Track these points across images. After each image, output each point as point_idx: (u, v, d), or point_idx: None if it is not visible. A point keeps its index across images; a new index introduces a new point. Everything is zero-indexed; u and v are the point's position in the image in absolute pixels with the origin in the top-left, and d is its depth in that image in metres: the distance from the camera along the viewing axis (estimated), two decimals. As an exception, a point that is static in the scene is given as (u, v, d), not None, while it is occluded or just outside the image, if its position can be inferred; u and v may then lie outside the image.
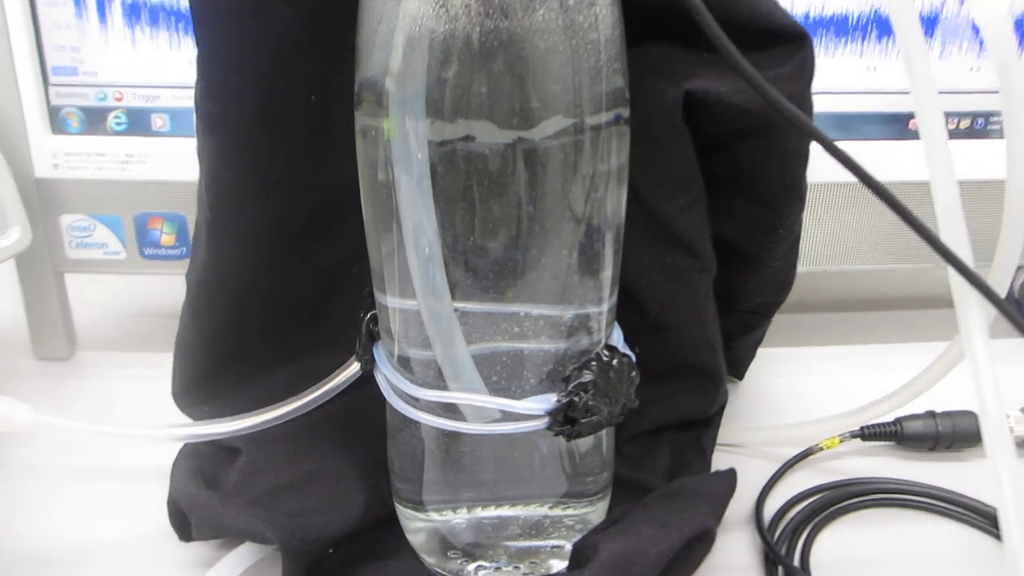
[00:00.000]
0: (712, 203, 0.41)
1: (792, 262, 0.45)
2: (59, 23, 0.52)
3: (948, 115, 0.58)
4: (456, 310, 0.33)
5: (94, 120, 0.54)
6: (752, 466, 0.48)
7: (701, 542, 0.38)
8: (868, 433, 0.50)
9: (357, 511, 0.40)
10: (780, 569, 0.42)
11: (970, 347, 0.30)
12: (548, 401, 0.34)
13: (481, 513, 0.40)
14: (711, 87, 0.36)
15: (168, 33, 0.52)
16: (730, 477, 0.42)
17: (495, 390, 0.35)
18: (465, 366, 0.34)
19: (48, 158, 0.54)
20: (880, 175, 0.57)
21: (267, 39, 0.35)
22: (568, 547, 0.39)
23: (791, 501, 0.46)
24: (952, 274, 0.30)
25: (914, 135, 0.58)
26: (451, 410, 0.35)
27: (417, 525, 0.41)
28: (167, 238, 0.55)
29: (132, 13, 0.52)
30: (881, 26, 0.55)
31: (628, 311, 0.40)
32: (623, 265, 0.38)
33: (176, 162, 0.54)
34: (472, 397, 0.34)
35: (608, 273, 0.37)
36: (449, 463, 0.39)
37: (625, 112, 0.35)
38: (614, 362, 0.35)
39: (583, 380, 0.34)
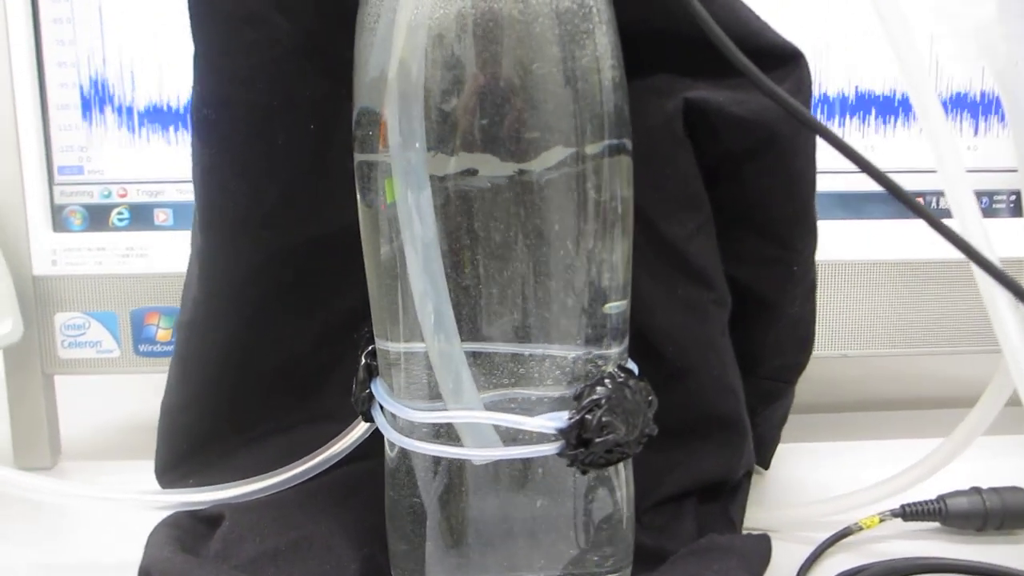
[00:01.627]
0: (721, 245, 0.40)
1: (811, 312, 0.43)
2: (68, 124, 0.53)
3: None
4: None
5: (97, 217, 0.54)
6: (784, 549, 0.44)
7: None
8: (910, 512, 0.46)
9: (350, 583, 0.36)
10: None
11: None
12: (560, 419, 0.31)
13: (490, 590, 0.36)
14: (710, 96, 0.36)
15: (173, 129, 0.53)
16: (764, 540, 0.38)
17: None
18: (468, 388, 0.32)
19: (47, 255, 0.54)
20: (887, 254, 0.57)
21: (261, 48, 0.35)
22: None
23: (835, 581, 0.42)
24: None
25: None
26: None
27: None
28: (163, 333, 0.54)
29: (142, 114, 0.53)
30: (879, 105, 0.56)
31: (643, 360, 0.37)
32: (633, 303, 0.36)
33: (178, 254, 0.52)
34: (475, 414, 0.31)
35: (619, 306, 0.35)
36: (452, 525, 0.35)
37: (628, 140, 0.35)
38: (630, 382, 0.33)
39: (596, 397, 0.32)
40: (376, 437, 0.38)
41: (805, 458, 0.54)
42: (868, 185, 0.56)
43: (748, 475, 0.43)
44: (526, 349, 0.33)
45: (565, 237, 0.33)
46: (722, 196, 0.39)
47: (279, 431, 0.42)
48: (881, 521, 0.45)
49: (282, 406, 0.42)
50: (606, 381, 0.32)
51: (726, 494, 0.42)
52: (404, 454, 0.36)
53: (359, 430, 0.41)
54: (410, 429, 0.34)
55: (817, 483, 0.51)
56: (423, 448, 0.33)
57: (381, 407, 0.35)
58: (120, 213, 0.54)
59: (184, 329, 0.40)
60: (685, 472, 0.41)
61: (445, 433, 0.33)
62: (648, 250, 0.38)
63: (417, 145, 0.30)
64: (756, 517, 0.45)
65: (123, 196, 0.54)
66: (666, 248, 0.38)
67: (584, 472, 0.33)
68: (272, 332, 0.40)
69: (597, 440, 0.31)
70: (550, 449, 0.32)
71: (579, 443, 0.31)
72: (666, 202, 0.38)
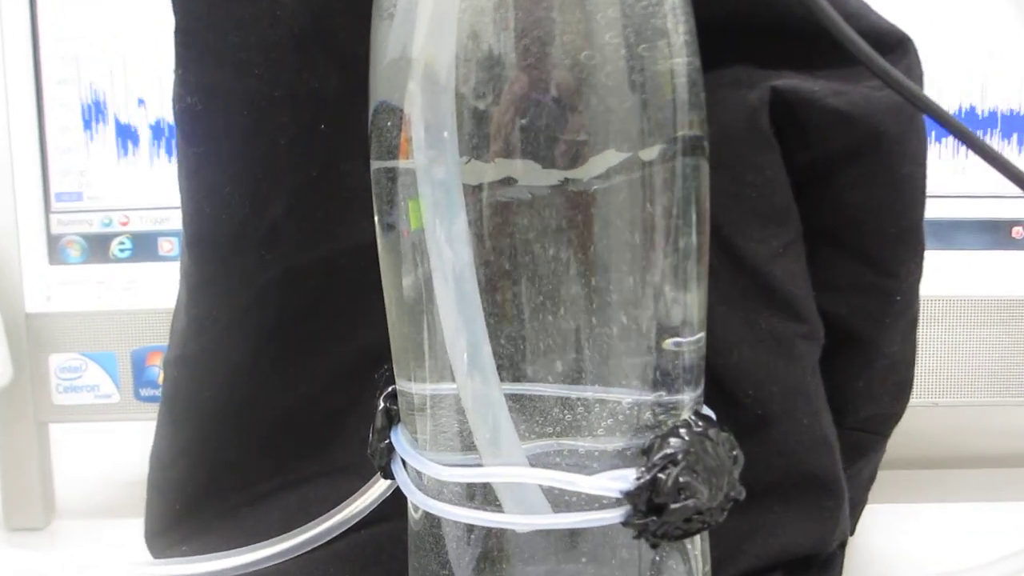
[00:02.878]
0: (807, 270, 0.34)
1: (911, 352, 0.36)
2: (67, 146, 0.49)
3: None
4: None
5: (96, 248, 0.49)
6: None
7: None
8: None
9: (367, 674, 0.29)
10: None
11: None
12: (625, 479, 0.25)
13: None
14: (802, 85, 0.30)
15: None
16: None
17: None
18: (508, 439, 0.25)
19: (42, 290, 0.49)
20: (983, 289, 0.50)
21: (258, 25, 0.30)
22: None
23: (951, 674, 0.35)
24: None
25: (1018, 244, 0.50)
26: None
27: None
28: (166, 376, 0.48)
29: (145, 134, 0.48)
30: (970, 121, 0.49)
31: (714, 407, 0.31)
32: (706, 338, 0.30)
33: (183, 288, 0.48)
34: (519, 472, 0.24)
35: (692, 342, 0.29)
36: None
37: (703, 140, 0.29)
38: (710, 432, 0.26)
39: (671, 451, 0.25)
40: (400, 494, 0.31)
41: (894, 522, 0.47)
42: (962, 212, 0.50)
43: (842, 546, 0.36)
44: (577, 392, 0.28)
45: (623, 258, 0.28)
46: (810, 210, 0.33)
47: (287, 487, 0.36)
48: (1001, 601, 0.38)
49: (290, 458, 0.36)
50: (681, 431, 0.26)
51: (816, 569, 0.35)
52: (431, 518, 0.29)
53: (380, 487, 0.35)
54: (438, 489, 0.28)
55: (912, 553, 0.44)
56: (454, 514, 0.27)
57: (403, 461, 0.29)
58: (122, 243, 0.49)
59: (172, 367, 0.34)
60: (767, 541, 0.34)
61: (480, 494, 0.27)
62: (724, 274, 0.32)
63: (448, 159, 0.24)
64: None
65: (125, 224, 0.49)
66: (746, 271, 0.32)
67: (655, 546, 0.26)
68: (277, 371, 0.34)
69: (673, 506, 0.25)
70: (613, 517, 0.25)
71: (650, 509, 0.25)
72: (747, 216, 0.32)
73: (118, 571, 0.33)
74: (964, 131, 0.25)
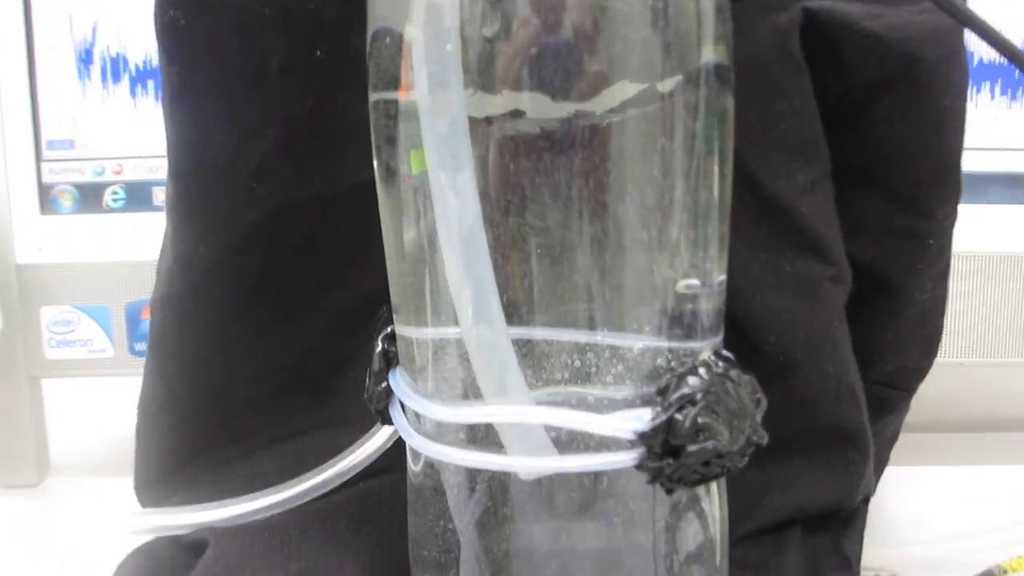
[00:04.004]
0: (837, 212, 0.32)
1: (943, 300, 0.34)
2: (59, 92, 0.47)
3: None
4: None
5: (89, 197, 0.48)
6: (909, 595, 0.35)
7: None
8: (1065, 552, 0.37)
9: (364, 628, 0.28)
10: None
11: None
12: (640, 419, 0.23)
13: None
14: (836, 7, 0.28)
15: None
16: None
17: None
18: (516, 384, 0.24)
19: (33, 241, 0.47)
20: (1014, 245, 0.48)
21: None
22: None
23: (980, 636, 0.33)
24: None
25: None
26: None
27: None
28: (161, 330, 0.47)
29: (138, 78, 0.46)
30: (1005, 73, 0.47)
31: (735, 353, 0.29)
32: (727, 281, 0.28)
33: (178, 238, 0.46)
34: (526, 411, 0.23)
35: (711, 286, 0.27)
36: (491, 559, 0.28)
37: (729, 68, 0.27)
38: (731, 373, 0.24)
39: (689, 391, 0.23)
40: (401, 447, 0.30)
41: (916, 485, 0.45)
42: (994, 165, 0.48)
43: (866, 501, 0.34)
44: (587, 337, 0.26)
45: (637, 196, 0.26)
46: (840, 147, 0.31)
47: (282, 440, 0.35)
48: (1030, 562, 0.36)
49: (286, 410, 0.35)
50: (700, 371, 0.24)
51: (838, 525, 0.33)
52: (431, 468, 0.28)
53: (379, 438, 0.33)
54: (438, 433, 0.26)
55: (934, 515, 0.43)
56: (455, 457, 0.25)
57: (402, 405, 0.27)
58: (115, 193, 0.47)
59: (158, 308, 0.32)
60: (787, 496, 0.32)
61: (484, 439, 0.25)
62: (746, 213, 0.30)
63: (454, 101, 0.22)
64: (868, 555, 0.36)
65: (118, 173, 0.47)
66: (771, 209, 0.30)
67: (670, 492, 0.24)
68: (270, 318, 0.33)
69: (690, 448, 0.23)
70: (626, 460, 0.24)
71: (666, 452, 0.23)
72: (773, 149, 0.30)
73: (109, 521, 0.31)
74: (1016, 54, 0.22)
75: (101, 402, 0.53)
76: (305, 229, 0.32)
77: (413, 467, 0.29)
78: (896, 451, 0.40)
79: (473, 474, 0.27)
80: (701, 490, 0.28)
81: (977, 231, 0.46)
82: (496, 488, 0.27)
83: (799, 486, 0.33)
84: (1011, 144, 0.48)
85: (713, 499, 0.28)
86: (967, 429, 0.53)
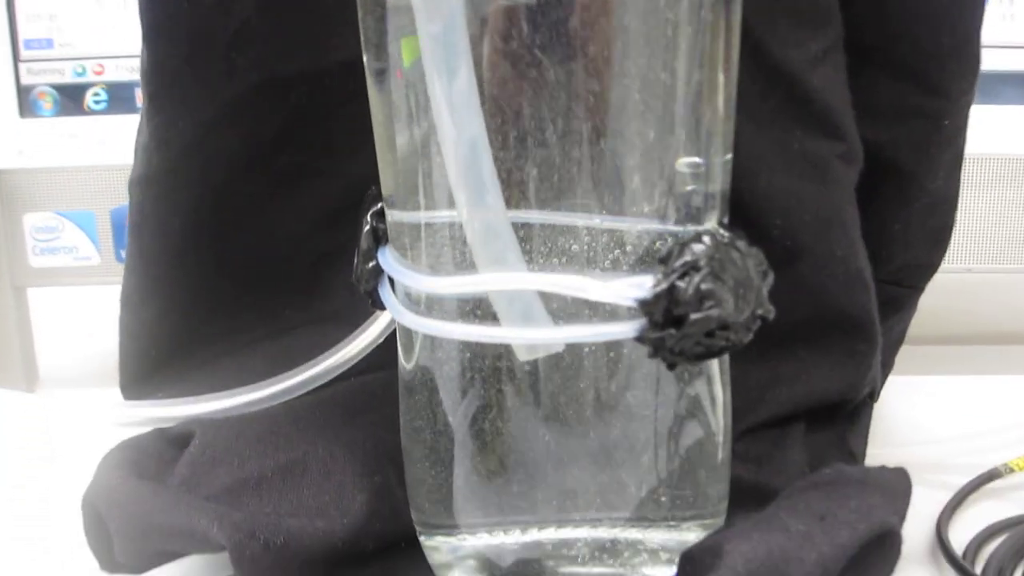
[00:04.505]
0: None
1: (955, 189, 0.33)
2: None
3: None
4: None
5: (70, 99, 0.46)
6: (916, 495, 0.34)
7: (883, 550, 0.24)
8: (1070, 450, 0.36)
9: (355, 517, 0.27)
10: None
11: None
12: (641, 286, 0.22)
13: (539, 534, 0.27)
14: None
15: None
16: (903, 476, 0.28)
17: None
18: (513, 259, 0.22)
19: (13, 145, 0.45)
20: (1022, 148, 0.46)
21: None
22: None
23: (986, 532, 0.32)
24: None
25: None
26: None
27: (446, 558, 0.28)
28: (148, 236, 0.45)
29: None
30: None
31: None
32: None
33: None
34: (522, 277, 0.21)
35: (716, 164, 0.26)
36: (486, 453, 0.27)
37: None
38: (738, 243, 0.23)
39: (692, 257, 0.22)
40: (393, 345, 0.29)
41: (921, 393, 0.44)
42: (1007, 64, 0.46)
43: (872, 396, 0.33)
44: (584, 220, 0.25)
45: (635, 67, 0.24)
46: (850, 19, 0.29)
47: (271, 336, 0.34)
48: (1036, 461, 0.35)
49: (274, 304, 0.34)
50: (705, 238, 0.23)
51: (843, 420, 0.32)
52: (423, 367, 0.27)
53: (372, 332, 0.32)
54: (429, 309, 0.25)
55: (940, 420, 0.42)
56: (449, 331, 0.24)
57: (392, 285, 0.26)
58: (96, 94, 0.46)
59: (136, 188, 0.31)
60: (791, 389, 0.32)
61: (479, 318, 0.24)
62: (754, 86, 0.28)
63: None
64: (872, 456, 0.36)
65: (99, 73, 0.46)
66: (779, 81, 0.29)
67: (671, 366, 0.23)
68: (254, 204, 0.31)
69: (693, 316, 0.22)
70: (626, 330, 0.22)
71: (668, 321, 0.22)
72: (783, 15, 0.28)
73: (98, 411, 0.30)
74: None
75: (89, 312, 0.52)
76: (290, 110, 0.31)
77: (405, 364, 0.28)
78: (902, 362, 0.39)
79: (467, 369, 0.26)
80: (706, 376, 0.27)
81: (989, 133, 0.45)
82: (490, 377, 0.26)
83: (803, 379, 0.32)
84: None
85: (716, 391, 0.27)
86: (974, 342, 0.52)
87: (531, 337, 0.23)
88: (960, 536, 0.32)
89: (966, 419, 0.42)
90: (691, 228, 0.26)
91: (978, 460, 0.37)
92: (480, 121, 0.22)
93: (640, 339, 0.23)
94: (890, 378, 0.39)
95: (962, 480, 0.36)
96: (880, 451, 0.36)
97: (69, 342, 0.51)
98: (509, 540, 0.27)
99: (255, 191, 0.32)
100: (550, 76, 0.24)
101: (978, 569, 0.30)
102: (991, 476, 0.36)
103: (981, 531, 0.32)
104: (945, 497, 0.34)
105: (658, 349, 0.23)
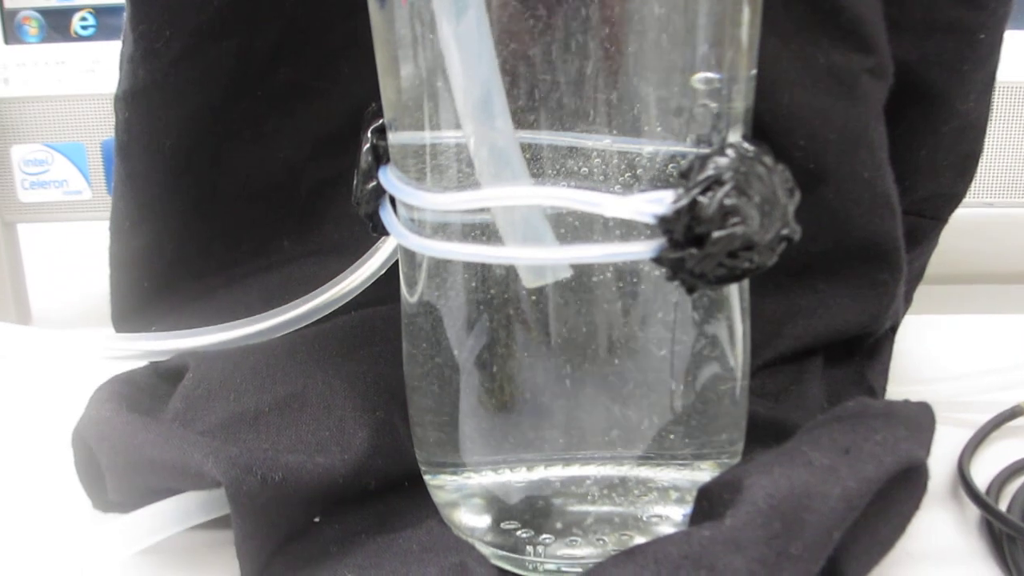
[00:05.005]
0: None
1: (985, 113, 0.31)
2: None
3: None
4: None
5: (56, 24, 0.44)
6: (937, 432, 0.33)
7: (909, 484, 0.23)
8: (1095, 389, 0.35)
9: (356, 453, 0.26)
10: (1021, 547, 0.26)
11: None
12: (660, 203, 0.21)
13: (547, 472, 0.26)
14: None
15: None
16: (927, 411, 0.27)
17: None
18: (521, 177, 0.21)
19: (-2, 73, 0.43)
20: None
21: None
22: (677, 516, 0.25)
23: (1009, 470, 0.31)
24: None
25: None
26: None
27: (451, 496, 0.27)
28: (140, 169, 0.44)
29: None
30: None
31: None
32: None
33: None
34: (532, 192, 0.20)
35: (737, 80, 0.24)
36: (491, 387, 0.25)
37: None
38: (764, 158, 0.21)
39: (715, 172, 0.21)
40: (396, 279, 0.27)
41: (940, 332, 0.43)
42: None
43: (893, 331, 0.32)
44: (595, 140, 0.23)
45: None
46: None
47: (270, 268, 0.32)
48: (1061, 399, 0.34)
49: (273, 234, 0.32)
50: (729, 151, 0.21)
51: (863, 355, 0.31)
52: (428, 294, 0.25)
53: (374, 263, 0.31)
54: (433, 233, 0.24)
55: (958, 359, 0.40)
56: (450, 251, 0.22)
57: (392, 204, 0.25)
58: (84, 19, 0.44)
59: (122, 105, 0.29)
60: (811, 323, 0.30)
61: (481, 237, 0.23)
62: (777, -5, 0.26)
63: None
64: (891, 392, 0.35)
65: (87, -3, 0.43)
66: None
67: (691, 290, 0.22)
68: (249, 126, 0.30)
69: (716, 234, 0.20)
70: (643, 251, 0.21)
71: (688, 240, 0.21)
72: None
73: (89, 345, 0.29)
74: None
75: (82, 249, 0.51)
76: (285, 23, 0.29)
77: (408, 297, 0.27)
78: (921, 301, 0.38)
79: (473, 300, 0.25)
80: (722, 311, 0.26)
81: (1016, 60, 0.43)
82: (498, 313, 0.25)
83: (822, 312, 0.30)
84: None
85: (735, 322, 0.26)
86: (995, 280, 0.50)
87: (540, 257, 0.21)
88: (982, 474, 0.31)
89: (987, 357, 0.40)
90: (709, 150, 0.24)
91: (999, 398, 0.35)
92: (490, 42, 0.20)
93: (658, 260, 0.21)
94: (908, 316, 0.37)
95: (983, 418, 0.35)
96: (899, 388, 0.35)
97: (62, 280, 0.50)
98: (516, 478, 0.26)
99: (250, 111, 0.30)
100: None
101: (1002, 507, 0.29)
102: (1013, 414, 0.35)
103: (1004, 468, 0.32)
104: (966, 435, 0.33)
105: (677, 271, 0.21)
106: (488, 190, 0.21)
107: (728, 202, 0.20)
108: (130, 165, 0.30)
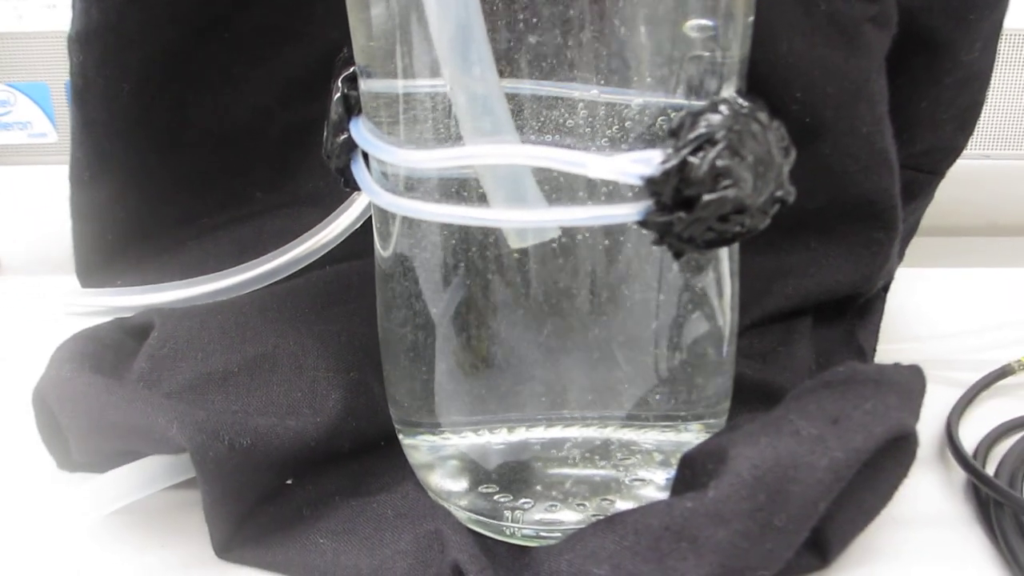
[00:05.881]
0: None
1: (990, 62, 0.30)
2: None
3: None
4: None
5: (15, -45, 0.41)
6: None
7: (898, 453, 0.23)
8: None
9: (329, 415, 0.25)
10: (1008, 512, 0.26)
11: None
12: (648, 163, 0.19)
13: (527, 434, 0.25)
14: None
15: None
16: (918, 375, 0.26)
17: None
18: (506, 129, 0.20)
19: (-45, 8, 0.41)
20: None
21: None
22: (660, 479, 0.24)
23: (997, 431, 0.31)
24: None
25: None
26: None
27: (426, 458, 0.26)
28: (108, 110, 0.42)
29: None
30: None
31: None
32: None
33: None
34: (515, 150, 0.19)
35: (730, 31, 0.23)
36: (469, 346, 0.24)
37: None
38: (758, 114, 0.20)
39: (707, 129, 0.19)
40: (372, 229, 0.26)
41: (933, 286, 0.42)
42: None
43: (885, 290, 0.31)
44: (581, 91, 0.22)
45: None
46: None
47: (240, 220, 0.31)
48: (1051, 359, 0.34)
49: (243, 184, 0.31)
50: (722, 107, 0.20)
51: (853, 314, 0.30)
52: (402, 249, 0.24)
53: (348, 217, 0.29)
54: (409, 189, 0.23)
55: (951, 315, 0.40)
56: (429, 212, 0.21)
57: (366, 159, 0.23)
58: (45, -52, 0.41)
59: (75, 47, 0.28)
60: (801, 281, 0.29)
61: (464, 200, 0.22)
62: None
63: None
64: (881, 351, 0.34)
65: (48, -76, 0.41)
66: None
67: (678, 254, 0.21)
68: (215, 71, 0.28)
69: (707, 197, 0.19)
70: (629, 213, 0.20)
71: (677, 203, 0.19)
72: None
73: (52, 300, 0.28)
74: None
75: (48, 194, 0.49)
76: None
77: (382, 252, 0.26)
78: (915, 253, 0.37)
79: (449, 258, 0.24)
80: (710, 270, 0.25)
81: (1015, 6, 0.41)
82: (477, 270, 0.24)
83: (814, 271, 0.29)
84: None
85: (724, 281, 0.25)
86: (991, 232, 0.49)
87: (522, 219, 0.20)
88: (971, 435, 0.31)
89: (979, 313, 0.40)
90: (702, 102, 0.23)
91: (991, 356, 0.35)
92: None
93: (644, 223, 0.20)
94: (901, 269, 0.37)
95: (974, 377, 0.34)
96: (888, 346, 0.34)
97: (28, 226, 0.48)
98: (495, 440, 0.25)
99: (216, 55, 0.28)
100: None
101: (989, 470, 0.29)
102: (1003, 373, 0.34)
103: (992, 430, 0.31)
104: (956, 395, 0.33)
105: (664, 235, 0.20)
106: (466, 148, 0.20)
107: (720, 163, 0.19)
108: (87, 112, 0.28)
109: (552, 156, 0.19)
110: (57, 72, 0.42)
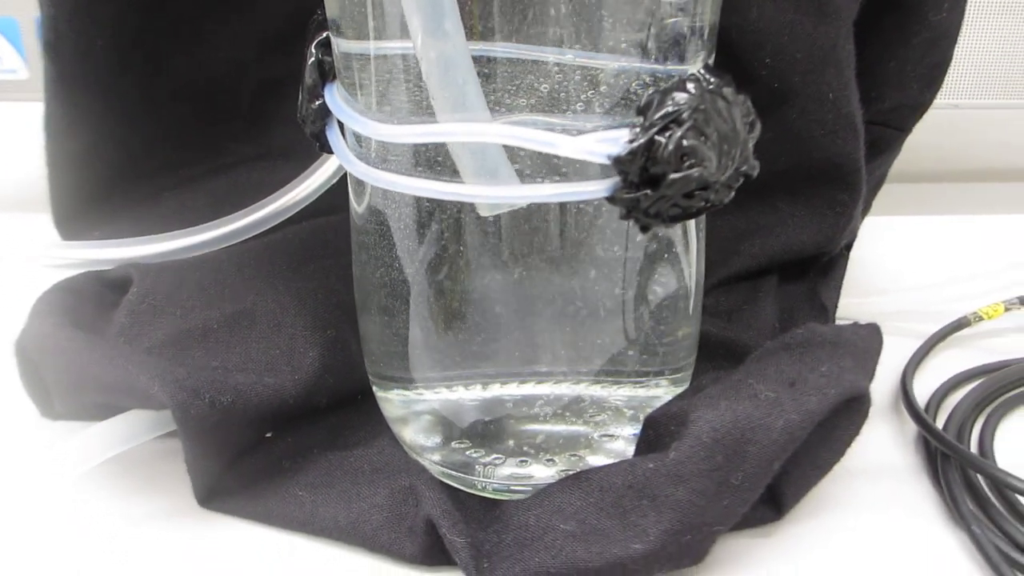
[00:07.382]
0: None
1: (958, 20, 0.30)
2: None
3: None
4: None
5: None
6: (885, 344, 0.34)
7: (851, 412, 0.24)
8: (1041, 297, 0.36)
9: (306, 372, 0.26)
10: (954, 464, 0.27)
11: None
12: (615, 141, 0.20)
13: (501, 391, 0.26)
14: None
15: None
16: (876, 333, 0.27)
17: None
18: (475, 102, 0.20)
19: (-83, -61, 0.40)
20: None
21: None
22: (628, 434, 0.25)
23: (950, 383, 0.32)
24: None
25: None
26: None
27: (400, 412, 0.27)
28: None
29: None
30: None
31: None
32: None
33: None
34: (485, 128, 0.19)
35: (703, 1, 0.23)
36: (444, 305, 0.25)
37: None
38: (724, 91, 0.21)
39: (674, 108, 0.20)
40: (346, 185, 0.26)
41: (897, 234, 0.43)
42: None
43: (848, 248, 0.32)
44: (555, 56, 0.22)
45: None
46: None
47: (217, 171, 0.31)
48: (1007, 310, 0.36)
49: (219, 136, 0.31)
50: (689, 86, 0.20)
51: (816, 272, 0.31)
52: (376, 206, 0.25)
53: (325, 171, 0.30)
54: (382, 160, 0.23)
55: (915, 264, 0.41)
56: (403, 185, 0.22)
57: (340, 126, 0.24)
58: None
59: (47, 1, 0.27)
60: (767, 242, 0.30)
61: (437, 168, 0.22)
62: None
63: None
64: (844, 305, 0.35)
65: None
66: None
67: (645, 229, 0.21)
68: (190, 22, 0.28)
69: (672, 176, 0.20)
70: (596, 190, 0.20)
71: (643, 181, 0.20)
72: None
73: (29, 252, 0.28)
74: None
75: (19, 131, 0.48)
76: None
77: (356, 207, 0.26)
78: (881, 201, 0.38)
79: (423, 215, 0.24)
80: (678, 232, 0.25)
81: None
82: (447, 226, 0.24)
83: (780, 231, 0.30)
84: None
85: (690, 238, 0.26)
86: (957, 179, 0.50)
87: (493, 195, 0.20)
88: (925, 388, 0.32)
89: (943, 263, 0.41)
90: (673, 67, 0.23)
91: (950, 308, 0.36)
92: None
93: (612, 199, 0.21)
94: (868, 219, 0.37)
95: (932, 328, 0.35)
96: (852, 300, 0.35)
97: (1, 164, 0.48)
98: (468, 396, 0.26)
99: (189, 9, 0.28)
100: None
101: (940, 422, 0.30)
102: (959, 325, 0.35)
103: (944, 382, 0.32)
104: (914, 346, 0.34)
105: (631, 211, 0.21)
106: (437, 126, 0.20)
107: (686, 143, 0.20)
108: (60, 66, 0.28)
109: (523, 136, 0.19)
110: (28, 7, 0.41)
